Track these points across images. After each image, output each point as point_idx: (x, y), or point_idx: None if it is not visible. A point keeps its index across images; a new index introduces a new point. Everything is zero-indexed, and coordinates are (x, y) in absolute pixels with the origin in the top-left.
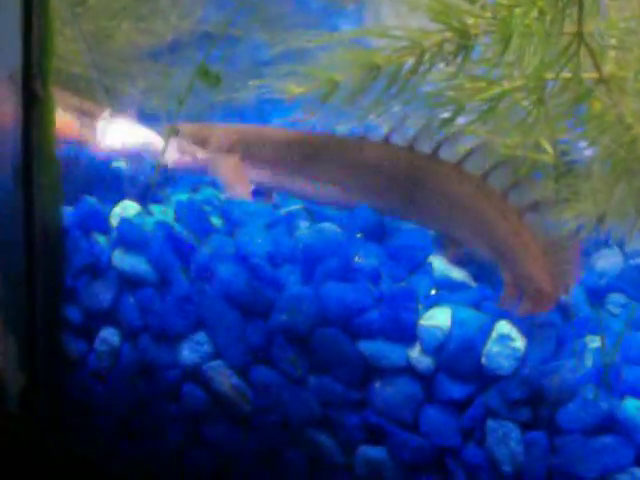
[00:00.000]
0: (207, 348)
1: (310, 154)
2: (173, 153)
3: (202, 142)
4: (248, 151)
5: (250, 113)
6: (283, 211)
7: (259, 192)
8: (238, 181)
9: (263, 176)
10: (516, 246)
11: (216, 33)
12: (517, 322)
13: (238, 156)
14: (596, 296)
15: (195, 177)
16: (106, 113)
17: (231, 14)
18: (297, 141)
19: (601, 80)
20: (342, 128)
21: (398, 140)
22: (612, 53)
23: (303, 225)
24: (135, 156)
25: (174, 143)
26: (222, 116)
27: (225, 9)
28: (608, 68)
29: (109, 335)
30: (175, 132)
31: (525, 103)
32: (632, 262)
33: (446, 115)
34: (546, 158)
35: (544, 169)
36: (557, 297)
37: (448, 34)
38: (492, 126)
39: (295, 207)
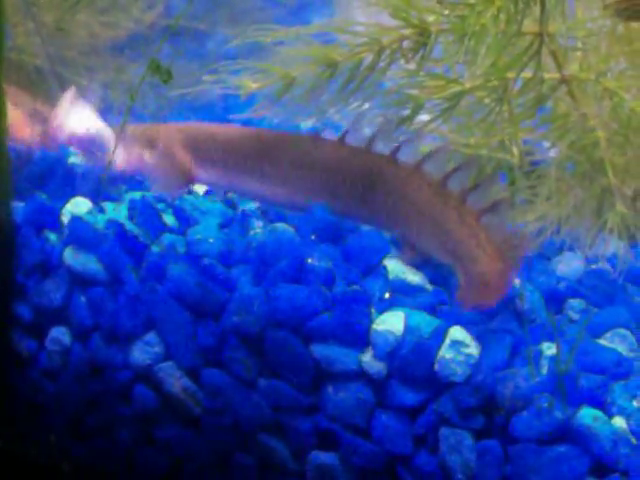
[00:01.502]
0: (158, 349)
1: (261, 152)
2: (122, 154)
3: (149, 143)
4: (196, 150)
5: (213, 109)
6: (237, 210)
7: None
8: (169, 176)
9: (213, 176)
10: (472, 248)
11: (179, 27)
12: (471, 328)
13: (184, 155)
14: (555, 301)
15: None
16: (67, 97)
17: (197, 7)
18: (248, 139)
19: (563, 81)
20: (303, 125)
21: (355, 139)
22: (576, 54)
23: (257, 225)
24: (87, 147)
25: (122, 144)
26: (181, 112)
27: (191, 2)
28: (571, 69)
29: (59, 334)
30: (122, 133)
31: (487, 102)
32: (593, 266)
33: (406, 113)
34: (510, 158)
35: (508, 169)
36: (503, 290)
37: (407, 31)
38: (454, 125)
39: (250, 206)
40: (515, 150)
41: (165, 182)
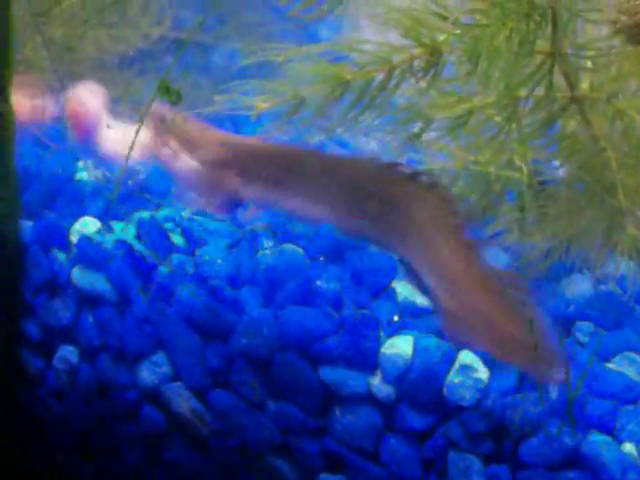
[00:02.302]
0: (166, 369)
1: (297, 168)
2: (151, 141)
3: (190, 145)
4: (241, 166)
5: (222, 124)
6: (246, 229)
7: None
8: (212, 196)
9: (256, 192)
10: (462, 278)
11: (188, 40)
12: (481, 352)
13: (231, 172)
14: (564, 324)
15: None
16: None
17: (205, 20)
18: (286, 155)
19: (574, 100)
20: (313, 141)
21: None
22: (585, 73)
23: (266, 245)
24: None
25: (156, 130)
26: None
27: (199, 15)
28: (582, 88)
29: (67, 353)
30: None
31: (497, 120)
32: (602, 287)
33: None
34: (519, 176)
35: (516, 187)
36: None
37: (418, 50)
38: (464, 142)
39: (258, 226)
40: (524, 169)
41: (216, 201)
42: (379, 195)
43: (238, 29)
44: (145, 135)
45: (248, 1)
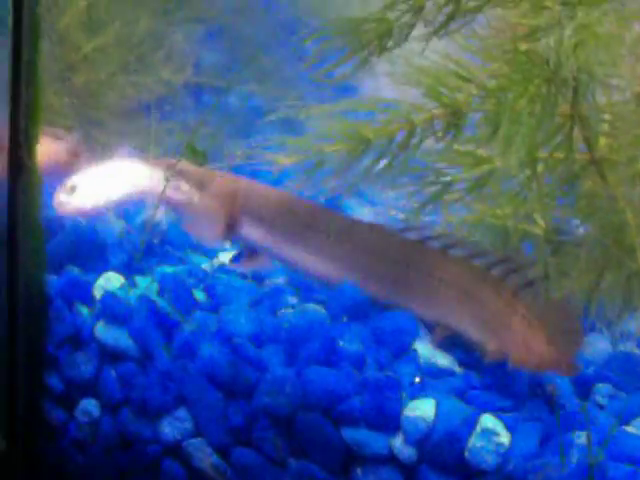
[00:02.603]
0: (188, 425)
1: (309, 224)
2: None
3: (200, 185)
4: (247, 205)
5: (242, 172)
6: (267, 284)
7: (240, 255)
8: (210, 224)
9: (256, 234)
10: (514, 323)
11: (203, 83)
12: (502, 415)
13: (231, 206)
14: (583, 386)
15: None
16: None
17: (221, 62)
18: (299, 208)
19: (593, 162)
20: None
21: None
22: (603, 136)
23: (288, 301)
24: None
25: (171, 181)
26: None
27: (220, 58)
28: (601, 150)
29: (89, 406)
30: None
31: (519, 177)
32: (621, 348)
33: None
34: (537, 230)
35: (534, 240)
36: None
37: (439, 110)
38: (483, 196)
39: (279, 280)
40: (543, 224)
41: (204, 228)
42: (398, 259)
43: (257, 73)
44: (155, 182)
45: (267, 46)
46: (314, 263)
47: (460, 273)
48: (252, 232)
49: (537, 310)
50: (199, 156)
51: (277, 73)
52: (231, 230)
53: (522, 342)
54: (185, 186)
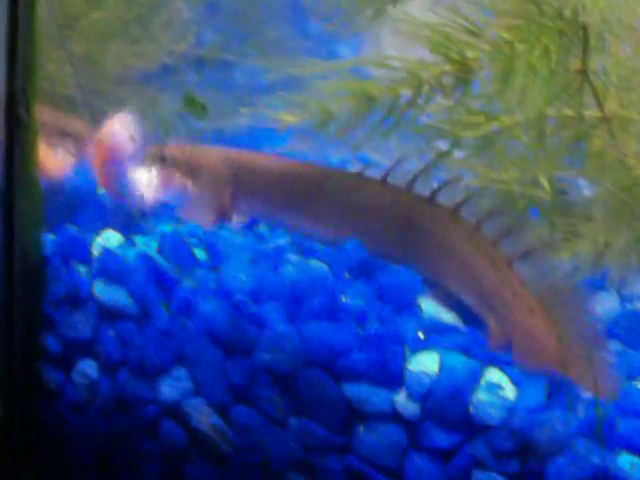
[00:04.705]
0: (187, 385)
1: (303, 187)
2: (157, 182)
3: (193, 172)
4: (240, 180)
5: (241, 141)
6: (270, 245)
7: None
8: (206, 209)
9: (253, 208)
10: (507, 297)
11: (210, 57)
12: (507, 370)
13: (225, 187)
14: None
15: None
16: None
17: (225, 37)
18: (293, 174)
19: (603, 119)
20: (335, 158)
21: (396, 178)
22: (614, 91)
23: (290, 260)
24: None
25: (159, 171)
26: (213, 143)
27: (221, 32)
28: (610, 107)
29: (87, 367)
30: (161, 157)
31: (524, 138)
32: (629, 306)
33: (442, 148)
34: (543, 195)
35: (541, 205)
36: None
37: (447, 67)
38: (488, 160)
39: (282, 240)
40: (548, 187)
41: (201, 214)
42: (402, 218)
43: (260, 46)
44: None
45: (269, 19)
46: (315, 227)
47: (464, 242)
48: (251, 208)
49: (548, 301)
50: (198, 107)
51: (279, 47)
52: (230, 210)
53: (525, 329)
54: (177, 174)
